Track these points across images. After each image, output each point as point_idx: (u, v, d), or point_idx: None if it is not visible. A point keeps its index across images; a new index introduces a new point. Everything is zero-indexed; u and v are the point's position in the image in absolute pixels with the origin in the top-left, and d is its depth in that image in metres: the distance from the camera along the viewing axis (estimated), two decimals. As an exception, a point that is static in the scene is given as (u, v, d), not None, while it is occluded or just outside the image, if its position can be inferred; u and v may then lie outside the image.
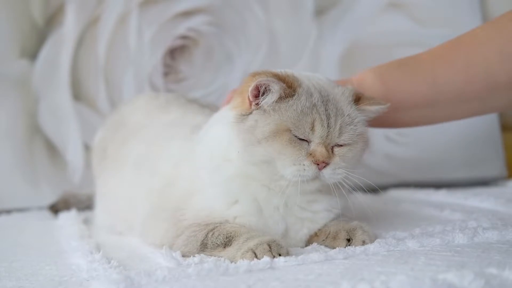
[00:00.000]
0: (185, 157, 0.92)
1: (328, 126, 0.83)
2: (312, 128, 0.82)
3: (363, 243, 0.83)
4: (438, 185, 1.44)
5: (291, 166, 0.82)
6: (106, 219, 1.08)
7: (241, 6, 1.53)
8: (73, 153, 1.44)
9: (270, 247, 0.77)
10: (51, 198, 1.39)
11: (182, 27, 1.52)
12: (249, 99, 0.84)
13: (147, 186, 0.96)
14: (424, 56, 0.97)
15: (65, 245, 0.97)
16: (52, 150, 1.45)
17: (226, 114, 0.87)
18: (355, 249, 0.80)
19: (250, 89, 0.83)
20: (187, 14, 1.52)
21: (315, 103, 0.83)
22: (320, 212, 0.88)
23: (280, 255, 0.77)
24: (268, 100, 0.83)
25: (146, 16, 1.50)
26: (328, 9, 1.57)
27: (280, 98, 0.83)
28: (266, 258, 0.75)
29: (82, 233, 1.04)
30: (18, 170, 1.41)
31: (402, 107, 0.94)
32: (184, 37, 1.52)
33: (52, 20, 1.47)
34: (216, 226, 0.84)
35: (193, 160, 0.90)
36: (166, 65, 1.50)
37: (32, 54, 1.46)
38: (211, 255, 0.82)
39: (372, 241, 0.84)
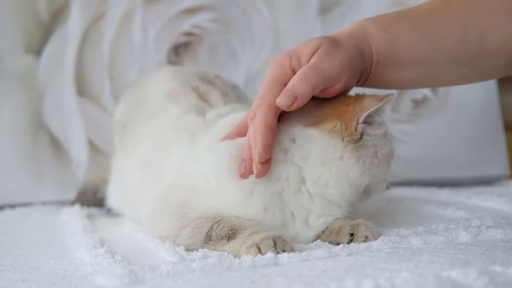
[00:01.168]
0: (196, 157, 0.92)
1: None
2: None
3: (366, 238, 0.83)
4: (441, 184, 1.44)
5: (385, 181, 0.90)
6: (117, 203, 1.09)
7: (246, 4, 1.54)
8: (78, 149, 1.44)
9: (275, 243, 0.77)
10: (55, 193, 1.39)
11: (187, 24, 1.52)
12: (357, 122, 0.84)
13: (154, 184, 0.97)
14: (421, 9, 0.93)
15: (69, 239, 0.97)
16: (57, 146, 1.45)
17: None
18: (359, 246, 0.80)
19: (367, 112, 0.84)
20: (192, 11, 1.52)
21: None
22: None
23: (284, 251, 0.77)
24: (378, 119, 0.87)
25: (151, 13, 1.50)
26: (332, 7, 1.57)
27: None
28: (270, 254, 0.75)
29: (86, 228, 1.04)
30: (22, 166, 1.42)
31: (402, 62, 0.90)
32: (188, 34, 1.52)
33: (57, 16, 1.48)
34: (222, 219, 0.84)
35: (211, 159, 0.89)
36: (170, 62, 1.50)
37: (36, 50, 1.46)
38: (214, 249, 0.83)
39: (375, 238, 0.84)
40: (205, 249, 0.83)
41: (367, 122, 0.84)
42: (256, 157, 0.82)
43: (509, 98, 1.68)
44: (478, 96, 1.57)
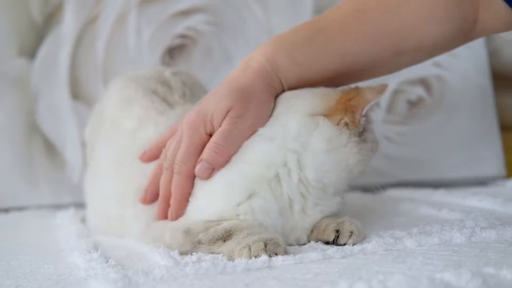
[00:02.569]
0: None
1: None
2: None
3: (351, 233, 0.85)
4: (436, 185, 1.44)
5: None
6: (96, 221, 1.07)
7: (240, 5, 1.53)
8: (72, 152, 1.44)
9: (265, 245, 0.77)
10: (49, 197, 1.39)
11: (181, 26, 1.52)
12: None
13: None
14: (333, 24, 0.94)
15: (63, 244, 0.97)
16: (51, 149, 1.45)
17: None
18: (353, 248, 0.80)
19: (369, 105, 0.87)
20: (186, 13, 1.52)
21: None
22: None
23: (276, 254, 0.77)
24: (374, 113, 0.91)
25: (145, 15, 1.50)
26: (327, 8, 1.56)
27: None
28: (264, 257, 0.75)
29: (80, 232, 1.04)
30: (17, 169, 1.41)
31: (315, 82, 0.92)
32: (183, 36, 1.52)
33: (51, 19, 1.47)
34: (214, 225, 0.84)
35: None
36: (165, 64, 1.50)
37: (30, 53, 1.46)
38: (209, 251, 0.82)
39: (360, 233, 0.86)
40: (199, 253, 0.82)
41: (365, 115, 0.87)
42: (170, 209, 0.89)
43: (504, 99, 1.68)
44: (473, 96, 1.57)
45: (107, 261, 0.80)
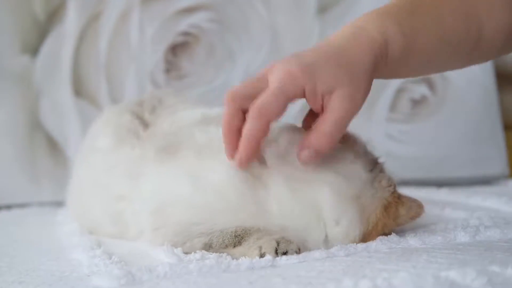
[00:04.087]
0: None
1: None
2: None
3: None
4: (440, 184, 1.44)
5: None
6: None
7: (243, 3, 1.53)
8: (74, 149, 1.44)
9: (277, 244, 0.76)
10: (51, 194, 1.39)
11: (184, 24, 1.52)
12: None
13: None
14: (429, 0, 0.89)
15: (66, 241, 0.96)
16: (53, 146, 1.45)
17: None
18: (357, 247, 0.80)
19: None
20: (189, 10, 1.52)
21: None
22: None
23: (286, 251, 0.76)
24: None
25: (148, 13, 1.50)
26: (330, 6, 1.56)
27: None
28: (267, 256, 0.75)
29: (82, 229, 1.04)
30: (19, 166, 1.41)
31: (414, 63, 0.87)
32: (186, 33, 1.52)
33: (54, 16, 1.47)
34: (223, 229, 0.82)
35: None
36: (167, 62, 1.50)
37: (33, 50, 1.46)
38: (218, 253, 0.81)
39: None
40: (203, 251, 0.82)
41: None
42: (240, 156, 0.79)
43: (508, 97, 1.68)
44: (477, 95, 1.57)
45: (110, 258, 0.80)
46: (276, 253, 0.76)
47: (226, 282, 0.68)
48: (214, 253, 0.80)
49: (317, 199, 0.80)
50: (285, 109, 0.76)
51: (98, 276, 0.71)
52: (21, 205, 1.38)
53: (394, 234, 0.86)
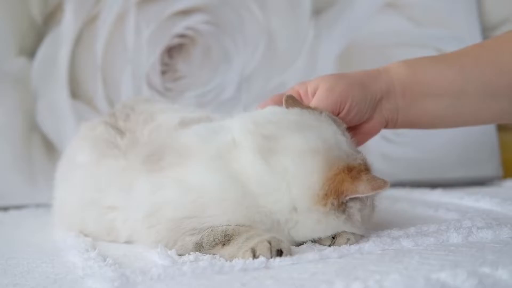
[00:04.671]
0: None
1: None
2: None
3: (348, 240, 0.84)
4: (434, 185, 1.45)
5: None
6: None
7: (239, 5, 1.54)
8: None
9: (269, 244, 0.77)
10: (48, 195, 1.39)
11: (180, 26, 1.52)
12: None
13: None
14: (450, 53, 0.98)
15: (61, 243, 0.97)
16: (50, 148, 1.45)
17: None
18: (350, 248, 0.80)
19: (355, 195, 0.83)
20: (185, 12, 1.52)
21: None
22: None
23: (280, 249, 0.77)
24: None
25: (144, 15, 1.51)
26: (325, 8, 1.57)
27: None
28: (261, 258, 0.75)
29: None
30: (16, 168, 1.42)
31: (433, 93, 0.92)
32: (182, 35, 1.52)
33: (50, 18, 1.48)
34: (214, 227, 0.83)
35: None
36: (164, 64, 1.51)
37: (30, 52, 1.46)
38: (208, 253, 0.82)
39: (357, 240, 0.85)
40: (197, 252, 0.83)
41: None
42: None
43: (502, 99, 1.68)
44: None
45: (104, 260, 0.80)
46: (270, 252, 0.76)
47: (219, 284, 0.69)
48: (207, 255, 0.81)
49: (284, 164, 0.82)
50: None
51: (92, 278, 0.72)
52: (18, 207, 1.38)
53: (387, 235, 0.87)
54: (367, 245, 0.81)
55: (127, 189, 0.92)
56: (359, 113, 0.92)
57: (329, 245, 0.84)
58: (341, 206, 0.82)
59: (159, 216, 0.86)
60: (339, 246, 0.83)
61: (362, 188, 0.81)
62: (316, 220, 0.82)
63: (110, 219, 0.95)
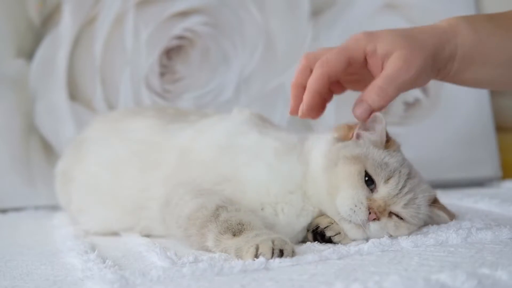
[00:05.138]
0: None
1: (400, 190, 0.86)
2: (387, 181, 0.85)
3: (338, 233, 0.86)
4: (433, 186, 1.44)
5: (349, 200, 0.85)
6: (99, 223, 1.07)
7: (238, 7, 1.54)
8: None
9: (273, 243, 0.78)
10: (47, 198, 1.39)
11: (179, 28, 1.52)
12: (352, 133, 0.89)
13: (171, 169, 0.98)
14: (509, 14, 0.94)
15: (60, 244, 0.97)
16: (48, 150, 1.45)
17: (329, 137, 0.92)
18: (349, 249, 0.81)
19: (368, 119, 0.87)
20: (184, 14, 1.52)
21: (400, 170, 0.87)
22: None
23: (282, 250, 0.77)
24: (365, 133, 0.88)
25: (143, 17, 1.50)
26: (324, 10, 1.57)
27: (376, 145, 0.88)
28: (261, 258, 0.75)
29: (77, 232, 1.04)
30: (14, 170, 1.42)
31: (490, 62, 0.91)
32: (180, 37, 1.52)
33: (49, 20, 1.48)
34: (237, 209, 0.85)
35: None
36: (162, 65, 1.51)
37: (28, 54, 1.46)
38: (216, 239, 0.83)
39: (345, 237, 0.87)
40: (196, 254, 0.83)
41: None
42: (302, 106, 0.90)
43: (501, 99, 1.68)
44: (469, 97, 1.58)
45: (104, 262, 0.80)
46: (272, 251, 0.77)
47: (219, 286, 0.69)
48: (207, 255, 0.81)
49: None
50: (345, 66, 0.87)
51: (91, 280, 0.72)
52: (16, 209, 1.38)
53: (387, 236, 0.87)
54: (366, 246, 0.81)
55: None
56: (423, 83, 0.91)
57: (322, 229, 0.88)
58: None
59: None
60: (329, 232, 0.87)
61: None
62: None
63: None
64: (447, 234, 0.86)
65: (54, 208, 1.36)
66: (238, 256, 0.79)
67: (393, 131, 1.56)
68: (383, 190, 0.86)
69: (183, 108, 1.17)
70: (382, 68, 0.87)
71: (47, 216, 1.29)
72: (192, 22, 1.52)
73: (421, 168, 1.54)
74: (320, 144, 0.92)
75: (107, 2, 1.49)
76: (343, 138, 0.91)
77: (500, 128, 1.62)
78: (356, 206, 0.84)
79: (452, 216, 0.95)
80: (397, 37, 0.87)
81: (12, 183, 1.41)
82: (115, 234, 1.04)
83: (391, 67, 0.86)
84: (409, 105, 1.57)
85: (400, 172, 0.87)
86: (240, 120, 1.00)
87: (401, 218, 0.87)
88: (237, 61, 1.53)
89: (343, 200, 0.85)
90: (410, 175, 0.88)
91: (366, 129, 0.90)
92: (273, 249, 0.77)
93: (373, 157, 0.87)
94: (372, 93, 0.86)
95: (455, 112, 1.56)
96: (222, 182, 0.90)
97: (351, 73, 0.91)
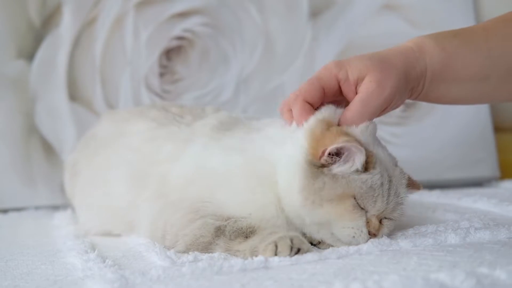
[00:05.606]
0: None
1: (387, 203, 0.84)
2: (374, 202, 0.84)
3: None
4: (431, 186, 1.45)
5: (350, 229, 0.83)
6: (97, 225, 1.06)
7: (237, 7, 1.54)
8: (70, 153, 1.44)
9: (291, 241, 0.78)
10: (47, 198, 1.39)
11: (178, 28, 1.52)
12: (323, 153, 0.82)
13: (155, 188, 0.96)
14: (477, 28, 0.95)
15: (61, 244, 0.97)
16: (49, 150, 1.45)
17: (298, 148, 0.85)
18: (349, 249, 0.81)
19: (330, 148, 0.81)
20: (183, 15, 1.53)
21: (383, 182, 0.84)
22: None
23: (299, 249, 0.78)
24: (344, 170, 0.82)
25: (143, 17, 1.51)
26: (323, 10, 1.57)
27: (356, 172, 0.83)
28: (260, 257, 0.76)
29: (77, 232, 1.04)
30: (15, 170, 1.42)
31: (459, 78, 0.92)
32: (180, 38, 1.53)
33: (49, 20, 1.48)
34: (238, 219, 0.84)
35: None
36: (162, 66, 1.51)
37: (28, 54, 1.46)
38: (226, 248, 0.82)
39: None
40: (196, 253, 0.83)
41: (339, 154, 0.83)
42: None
43: (499, 100, 1.68)
44: (468, 98, 1.58)
45: (104, 262, 0.81)
46: (291, 250, 0.78)
47: (219, 285, 0.69)
48: (206, 255, 0.82)
49: None
50: (320, 95, 0.89)
51: (92, 280, 0.72)
52: (17, 209, 1.38)
53: (386, 236, 0.88)
54: (365, 246, 0.82)
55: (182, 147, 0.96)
56: (398, 104, 0.91)
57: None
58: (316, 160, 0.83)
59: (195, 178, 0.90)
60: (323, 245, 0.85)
61: (342, 139, 0.82)
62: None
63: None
64: (446, 233, 0.86)
65: (54, 208, 1.37)
66: (254, 256, 0.78)
67: (392, 131, 1.58)
68: (373, 210, 0.84)
69: (187, 106, 1.14)
70: (356, 93, 0.88)
71: (48, 216, 1.29)
72: (191, 22, 1.53)
73: (420, 168, 1.56)
74: (287, 162, 0.86)
75: (107, 3, 1.49)
76: (313, 153, 0.84)
77: (499, 128, 1.62)
78: (356, 234, 0.83)
79: (418, 186, 0.94)
80: (366, 61, 0.88)
81: (12, 183, 1.41)
82: (115, 234, 1.04)
83: (364, 91, 0.87)
84: (407, 105, 1.57)
85: (382, 186, 0.84)
86: (207, 137, 0.96)
87: (389, 219, 0.87)
88: (237, 62, 1.53)
89: (343, 230, 0.83)
90: (389, 181, 0.85)
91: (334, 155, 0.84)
92: (291, 247, 0.78)
93: (359, 189, 0.83)
94: (353, 115, 0.86)
95: (453, 112, 1.56)
96: (205, 203, 0.89)
97: (329, 102, 0.91)
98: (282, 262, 0.76)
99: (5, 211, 1.38)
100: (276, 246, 0.78)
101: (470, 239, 0.85)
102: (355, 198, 0.83)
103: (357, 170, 0.83)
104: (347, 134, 0.84)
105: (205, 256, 0.81)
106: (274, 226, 0.85)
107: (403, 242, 0.83)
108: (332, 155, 0.82)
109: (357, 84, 0.88)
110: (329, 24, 1.56)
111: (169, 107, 1.11)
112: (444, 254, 0.77)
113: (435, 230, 0.91)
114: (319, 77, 0.89)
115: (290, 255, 0.77)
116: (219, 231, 0.84)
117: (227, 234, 0.83)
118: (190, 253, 0.83)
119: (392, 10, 1.59)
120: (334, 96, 0.90)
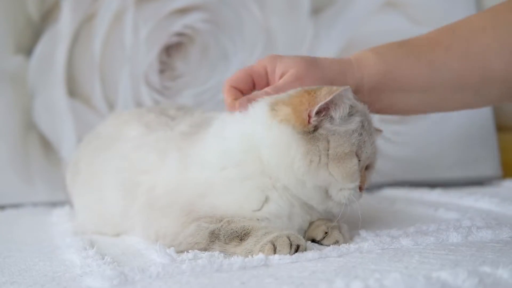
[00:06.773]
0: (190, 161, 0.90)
1: (371, 146, 0.84)
2: (364, 147, 0.83)
3: (336, 242, 0.84)
4: (433, 185, 1.45)
5: (349, 191, 0.83)
6: (93, 228, 1.05)
7: (238, 4, 1.53)
8: (68, 150, 1.44)
9: (289, 240, 0.78)
10: (45, 194, 1.38)
11: (178, 24, 1.52)
12: (309, 115, 0.81)
13: (145, 193, 0.95)
14: (421, 40, 0.97)
15: (59, 241, 0.97)
16: (47, 147, 1.44)
17: (267, 121, 0.84)
18: (350, 247, 0.80)
19: (318, 105, 0.80)
20: (183, 11, 1.52)
21: (363, 124, 0.84)
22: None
23: (298, 246, 0.78)
24: (339, 115, 0.82)
25: (142, 13, 1.50)
26: (324, 8, 1.57)
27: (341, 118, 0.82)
28: (261, 255, 0.75)
29: (76, 229, 1.04)
30: (13, 167, 1.41)
31: (401, 89, 0.93)
32: (180, 34, 1.52)
33: (48, 16, 1.47)
34: (232, 220, 0.83)
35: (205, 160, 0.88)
36: (161, 62, 1.50)
37: (27, 50, 1.46)
38: (222, 250, 0.82)
39: (346, 242, 0.84)
40: (195, 250, 0.82)
41: (328, 115, 0.82)
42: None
43: (500, 99, 1.68)
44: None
45: (103, 258, 0.80)
46: (290, 247, 0.77)
47: (218, 282, 0.68)
48: (206, 253, 0.81)
49: None
50: (247, 80, 0.93)
51: (90, 276, 0.71)
52: (15, 206, 1.38)
53: (387, 234, 0.87)
54: (367, 244, 0.81)
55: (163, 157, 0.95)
56: None
57: (320, 239, 0.86)
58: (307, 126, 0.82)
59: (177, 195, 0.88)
60: (328, 241, 0.84)
61: (321, 95, 0.81)
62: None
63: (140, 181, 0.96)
64: (448, 232, 0.86)
65: (53, 204, 1.36)
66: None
67: (394, 129, 1.57)
68: (364, 156, 0.84)
69: (186, 107, 1.12)
70: None
71: (46, 213, 1.29)
72: (191, 19, 1.52)
73: (421, 166, 1.56)
74: (272, 142, 0.84)
75: (107, -1, 1.48)
76: (300, 126, 0.82)
77: (500, 127, 1.62)
78: (353, 194, 0.83)
79: (379, 130, 0.93)
80: (298, 59, 0.92)
81: (10, 179, 1.40)
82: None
83: (282, 79, 0.91)
84: (409, 104, 1.57)
85: (368, 125, 0.85)
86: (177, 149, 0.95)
87: (369, 167, 0.88)
88: (237, 59, 1.53)
89: (343, 192, 0.83)
90: (367, 120, 0.85)
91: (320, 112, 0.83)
92: (290, 245, 0.77)
93: (355, 139, 0.82)
94: (259, 96, 0.88)
95: (455, 111, 1.56)
96: (196, 205, 0.87)
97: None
98: (282, 260, 0.75)
99: (2, 207, 1.37)
100: (274, 245, 0.77)
101: (472, 238, 0.85)
102: (356, 154, 0.82)
103: (349, 113, 0.83)
104: (326, 89, 0.83)
105: (205, 253, 0.80)
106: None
107: (404, 241, 0.83)
108: (319, 111, 0.82)
109: (281, 78, 0.92)
110: (330, 21, 1.56)
111: (168, 109, 1.09)
112: (446, 253, 0.77)
113: (436, 228, 0.90)
114: (251, 67, 0.95)
115: (290, 253, 0.77)
116: (213, 236, 0.83)
117: (222, 238, 0.82)
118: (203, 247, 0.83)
119: (394, 7, 1.58)
120: (266, 86, 0.93)
